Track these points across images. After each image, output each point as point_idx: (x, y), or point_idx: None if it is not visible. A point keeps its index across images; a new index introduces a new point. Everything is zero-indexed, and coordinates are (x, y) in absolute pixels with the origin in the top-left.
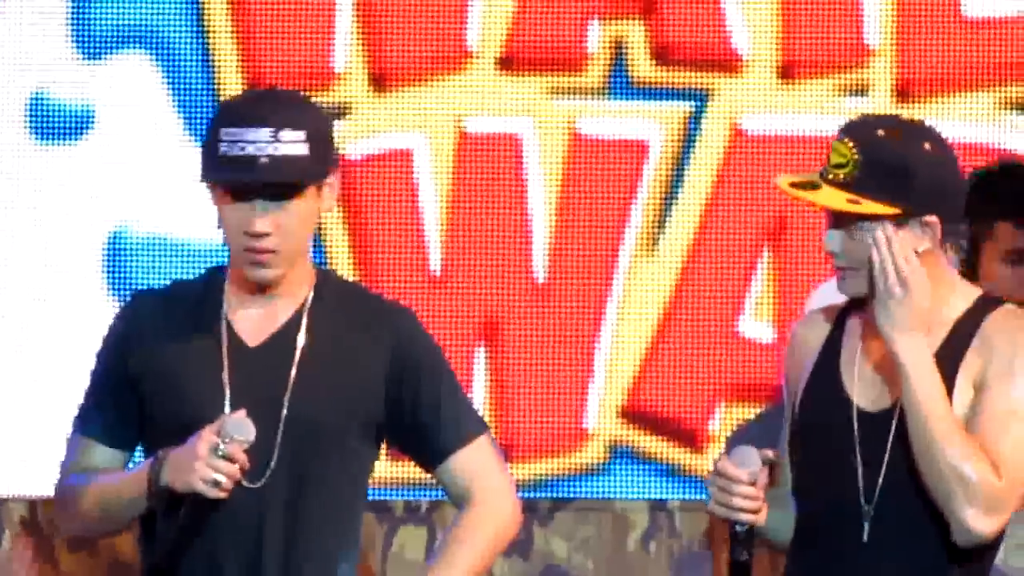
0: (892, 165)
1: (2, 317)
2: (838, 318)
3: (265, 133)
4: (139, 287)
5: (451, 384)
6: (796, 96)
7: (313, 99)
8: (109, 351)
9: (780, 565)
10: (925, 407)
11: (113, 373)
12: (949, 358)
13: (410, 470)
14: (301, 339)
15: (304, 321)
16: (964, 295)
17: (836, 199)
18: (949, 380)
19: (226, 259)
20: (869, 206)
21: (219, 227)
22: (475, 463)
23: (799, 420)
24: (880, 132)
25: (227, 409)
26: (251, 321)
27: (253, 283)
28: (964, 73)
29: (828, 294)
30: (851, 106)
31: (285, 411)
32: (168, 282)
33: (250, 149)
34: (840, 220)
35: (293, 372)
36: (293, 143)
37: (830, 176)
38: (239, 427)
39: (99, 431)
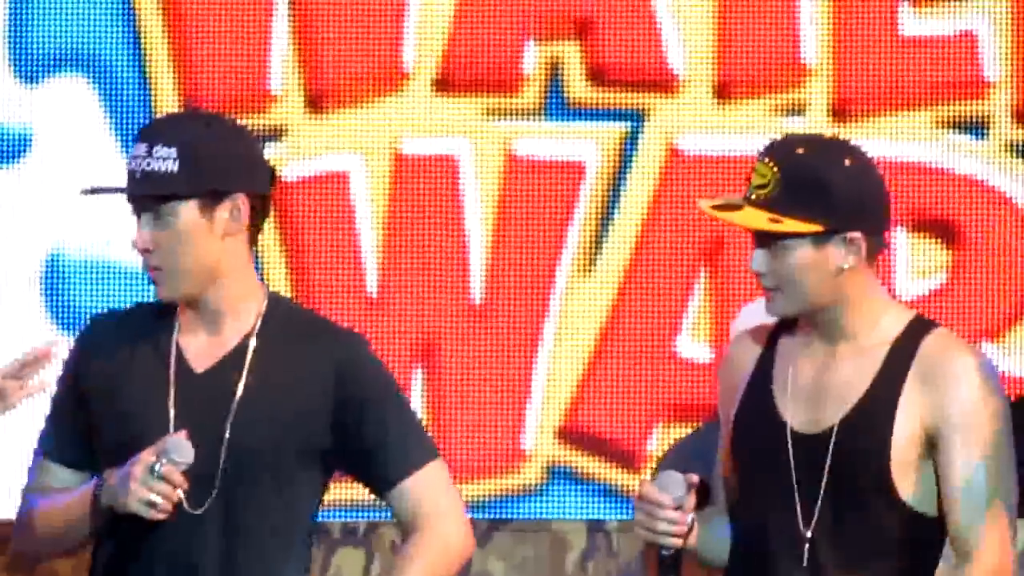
0: (811, 182)
1: None
2: (769, 339)
3: (142, 148)
4: (76, 309)
5: (399, 410)
6: (733, 116)
7: (231, 119)
8: (65, 372)
9: None
10: None
11: (68, 394)
12: (887, 383)
13: (347, 491)
14: (246, 366)
15: (251, 347)
16: (896, 315)
17: (757, 219)
18: (889, 408)
19: None
20: (790, 224)
21: None
22: (423, 490)
23: (733, 442)
24: (799, 150)
25: (170, 432)
26: (199, 345)
27: (195, 306)
28: (901, 92)
29: (755, 313)
30: (788, 126)
31: (227, 438)
32: (130, 303)
33: (131, 164)
34: (764, 240)
35: (236, 400)
36: (163, 159)
37: (753, 196)
38: (178, 449)
39: (55, 451)
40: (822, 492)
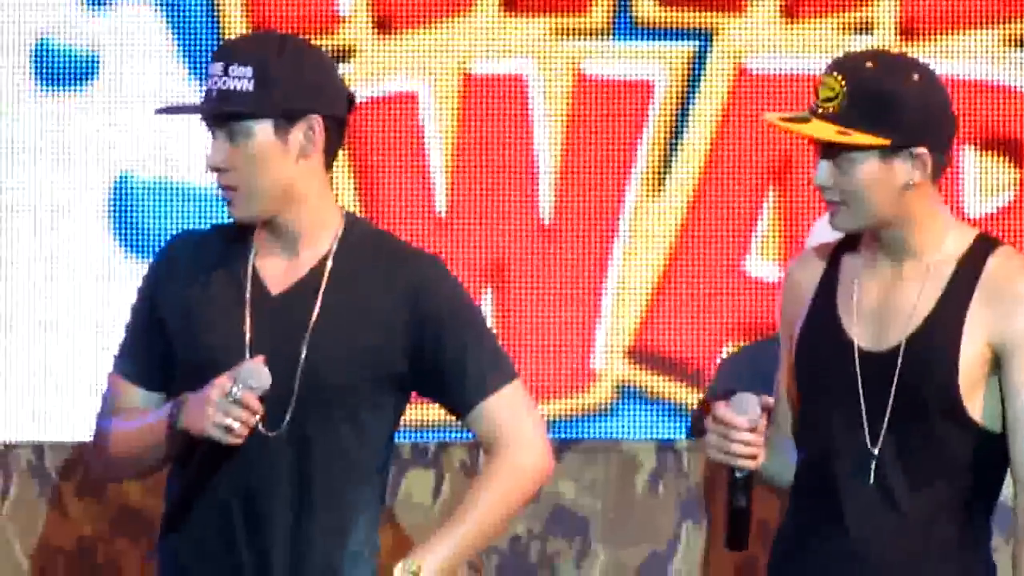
0: (880, 96)
1: (8, 263)
2: (832, 257)
3: (218, 67)
4: (145, 232)
5: (477, 332)
6: (800, 35)
7: (309, 43)
8: (143, 292)
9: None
10: None
11: (145, 314)
12: (954, 302)
13: (416, 412)
14: (322, 289)
15: (327, 271)
16: (960, 233)
17: (825, 131)
18: (955, 326)
19: None
20: (858, 137)
21: None
22: (502, 412)
23: (798, 362)
24: (868, 64)
25: (247, 356)
26: (276, 268)
27: (270, 228)
28: (968, 10)
29: (827, 228)
30: (856, 45)
31: (302, 361)
32: (208, 225)
33: (209, 84)
34: (830, 153)
35: (312, 323)
36: (239, 78)
37: (819, 110)
38: (255, 374)
39: (132, 371)
40: (889, 410)
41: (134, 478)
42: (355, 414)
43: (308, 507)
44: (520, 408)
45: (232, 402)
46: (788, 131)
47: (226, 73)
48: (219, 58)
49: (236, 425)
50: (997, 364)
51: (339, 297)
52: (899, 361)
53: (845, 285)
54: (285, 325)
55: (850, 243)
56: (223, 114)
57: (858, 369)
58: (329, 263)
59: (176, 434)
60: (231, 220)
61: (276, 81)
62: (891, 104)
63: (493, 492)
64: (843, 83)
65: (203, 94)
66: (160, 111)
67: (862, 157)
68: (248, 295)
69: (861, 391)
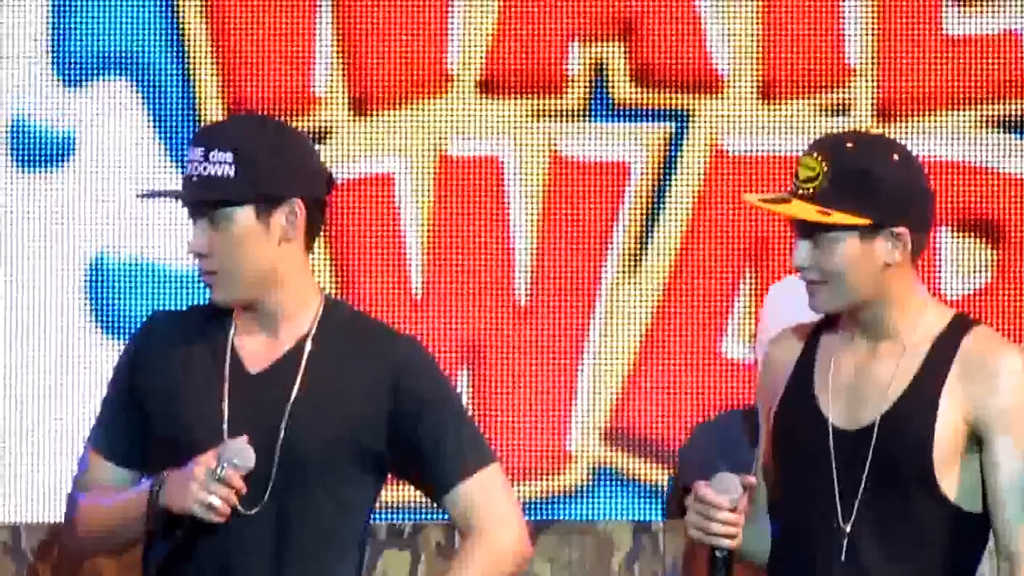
0: (859, 175)
1: None
2: (810, 336)
3: (199, 152)
4: (122, 313)
5: (456, 415)
6: (777, 116)
7: (288, 124)
8: (120, 368)
9: None
10: None
11: (122, 391)
12: (929, 380)
13: (393, 493)
14: (301, 369)
15: (306, 351)
16: (938, 313)
17: (807, 211)
18: (930, 403)
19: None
20: (839, 217)
21: None
22: (479, 495)
23: (775, 438)
24: (848, 145)
25: (225, 434)
26: (254, 347)
27: (251, 309)
28: (945, 91)
29: (784, 290)
30: (833, 125)
31: (281, 440)
32: (184, 306)
33: (189, 168)
34: (810, 233)
35: (291, 403)
36: (220, 163)
37: (800, 191)
38: (239, 453)
39: (107, 448)
40: (862, 488)
41: (106, 554)
42: (334, 492)
43: None
44: (498, 491)
45: (216, 480)
46: (769, 212)
47: (206, 159)
48: (198, 143)
49: (218, 503)
50: (973, 441)
51: (318, 376)
52: (873, 439)
53: (822, 363)
54: (263, 403)
55: (829, 323)
56: (204, 201)
57: (832, 447)
58: (308, 343)
59: (156, 511)
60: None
61: (257, 165)
62: (871, 184)
63: (478, 566)
64: (823, 164)
65: (183, 179)
66: (142, 195)
67: (843, 237)
68: (227, 373)
69: (835, 468)
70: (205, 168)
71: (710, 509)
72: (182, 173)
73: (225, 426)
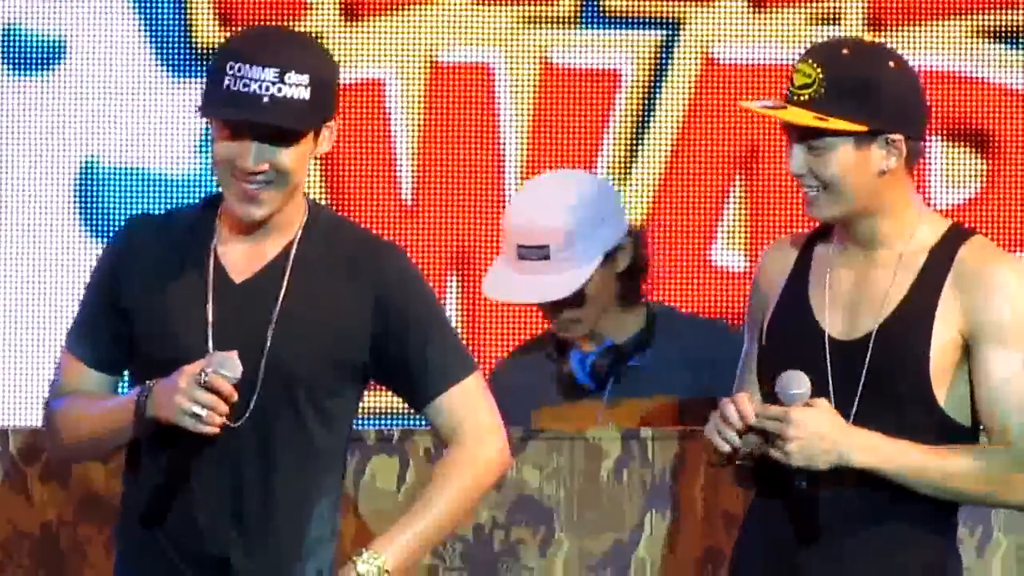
0: (857, 82)
1: None
2: (805, 245)
3: (271, 73)
4: (111, 218)
5: (439, 324)
6: (768, 24)
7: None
8: (102, 276)
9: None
10: (934, 479)
11: (104, 299)
12: (925, 291)
13: (381, 400)
14: (286, 278)
15: (291, 259)
16: (933, 223)
17: (803, 116)
18: (927, 315)
19: (197, 189)
20: (835, 123)
21: (214, 160)
22: (461, 404)
23: (767, 350)
24: (844, 52)
25: (209, 344)
26: (239, 256)
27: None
28: (936, 2)
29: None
30: (823, 34)
31: (266, 351)
32: (166, 209)
33: (254, 87)
34: (805, 140)
35: (276, 311)
36: (296, 86)
37: (795, 97)
38: (227, 363)
39: (89, 355)
40: (858, 398)
41: (90, 459)
42: (318, 401)
43: (271, 493)
44: (479, 400)
45: (200, 385)
46: (763, 118)
47: (281, 80)
48: (263, 60)
49: (204, 413)
50: (967, 352)
51: (303, 286)
52: (869, 350)
53: (817, 274)
54: (248, 313)
55: (822, 234)
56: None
57: (828, 357)
58: (293, 251)
59: (144, 420)
60: (187, 206)
61: (326, 89)
62: (867, 91)
63: (454, 484)
64: (819, 71)
65: (243, 96)
66: (207, 113)
67: (838, 143)
68: (210, 282)
69: (831, 379)
70: (280, 90)
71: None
72: (228, 87)
73: (210, 336)
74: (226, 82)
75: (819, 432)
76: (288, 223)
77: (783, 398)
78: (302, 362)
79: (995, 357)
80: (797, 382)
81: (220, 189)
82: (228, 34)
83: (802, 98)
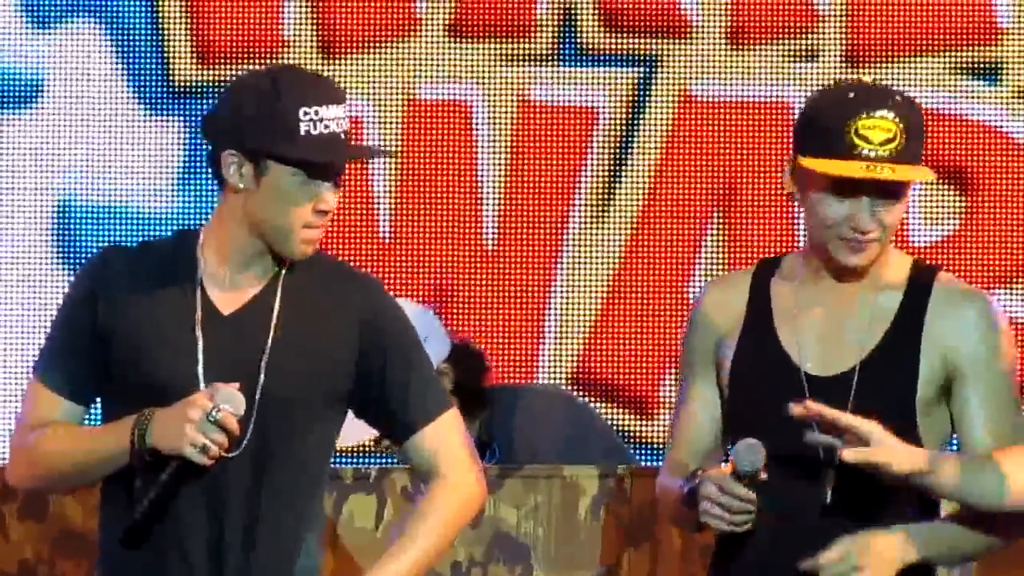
0: (919, 129)
1: None
2: (754, 284)
3: (341, 111)
4: (86, 253)
5: (419, 359)
6: (746, 61)
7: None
8: (77, 305)
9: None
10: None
11: (80, 328)
12: (908, 323)
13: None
14: (275, 310)
15: (279, 292)
16: (898, 256)
17: (922, 173)
18: (912, 345)
19: (174, 226)
20: (925, 171)
21: (285, 204)
22: (440, 439)
23: (738, 391)
24: (899, 99)
25: (199, 374)
26: (224, 287)
27: (231, 251)
28: (914, 37)
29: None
30: (801, 71)
31: (261, 383)
32: (136, 242)
33: (331, 126)
34: (883, 193)
35: (268, 343)
36: (348, 120)
37: (886, 152)
38: (231, 399)
39: (62, 385)
40: (845, 437)
41: (62, 492)
42: (309, 431)
43: (261, 523)
44: (457, 435)
45: (212, 423)
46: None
47: (346, 115)
48: (334, 100)
49: (212, 446)
50: (945, 388)
51: (291, 318)
52: (853, 384)
53: (782, 312)
54: (239, 344)
55: (766, 270)
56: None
57: (807, 394)
58: (280, 283)
59: (143, 449)
60: (160, 238)
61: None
62: (923, 136)
63: (437, 518)
64: (896, 121)
65: (324, 137)
66: (349, 157)
67: (906, 190)
68: (199, 314)
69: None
70: (351, 124)
71: (733, 500)
72: (306, 131)
73: (200, 368)
74: (304, 127)
75: (879, 552)
76: (276, 256)
77: (737, 467)
78: (296, 393)
79: (978, 390)
80: (752, 455)
81: (200, 224)
82: (205, 71)
83: (894, 152)
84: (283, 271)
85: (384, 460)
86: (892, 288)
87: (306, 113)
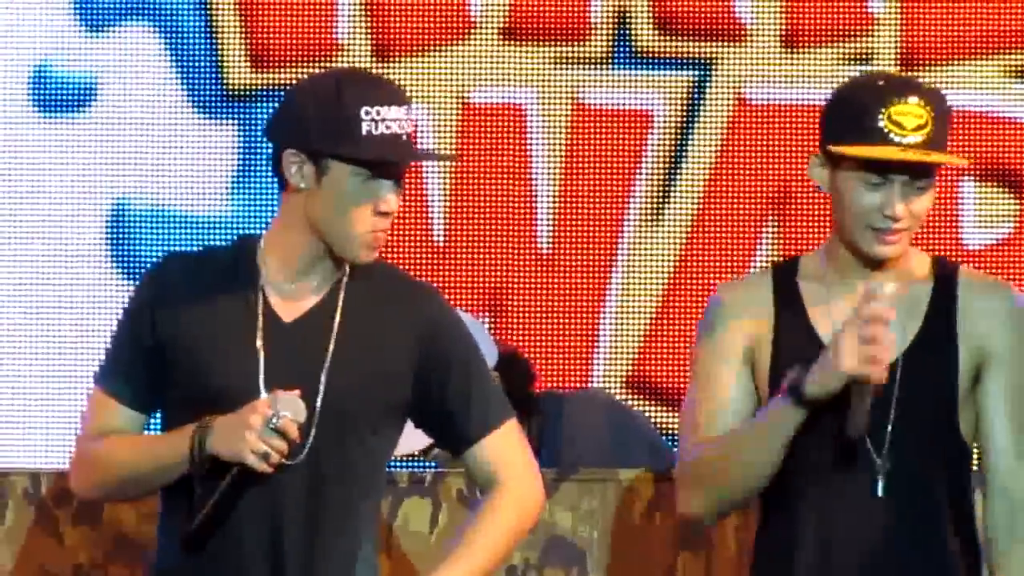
0: (948, 115)
1: (5, 290)
2: (778, 283)
3: (403, 112)
4: (142, 258)
5: (479, 370)
6: (800, 64)
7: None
8: (137, 313)
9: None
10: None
11: (141, 335)
12: (943, 314)
13: None
14: (337, 318)
15: (340, 300)
16: (916, 251)
17: (952, 157)
18: (950, 335)
19: (228, 230)
20: (958, 157)
21: (346, 205)
22: (500, 450)
23: (779, 386)
24: (925, 87)
25: (260, 380)
26: (285, 296)
27: (293, 256)
28: (968, 41)
29: None
30: (856, 74)
31: (322, 391)
32: (198, 248)
33: (393, 127)
34: (915, 180)
35: (330, 352)
36: (412, 122)
37: (920, 140)
38: (292, 405)
39: (124, 392)
40: (891, 427)
41: (122, 500)
42: (367, 442)
43: (320, 533)
44: (517, 444)
45: (272, 430)
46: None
47: (408, 116)
48: (396, 101)
49: (273, 454)
50: (977, 380)
51: (352, 328)
52: (898, 378)
53: (817, 311)
54: (300, 353)
55: (787, 268)
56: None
57: (850, 389)
58: (342, 292)
59: (203, 456)
60: (221, 245)
61: None
62: (949, 123)
63: (497, 527)
64: (928, 109)
65: (385, 137)
66: (413, 159)
67: (935, 178)
68: (259, 322)
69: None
70: (414, 127)
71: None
72: (367, 131)
73: (261, 376)
74: (366, 127)
75: None
76: (337, 263)
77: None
78: (355, 402)
79: (1004, 379)
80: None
81: (259, 231)
82: (259, 75)
83: (928, 140)
84: (344, 278)
85: (440, 464)
86: (919, 281)
87: (367, 113)
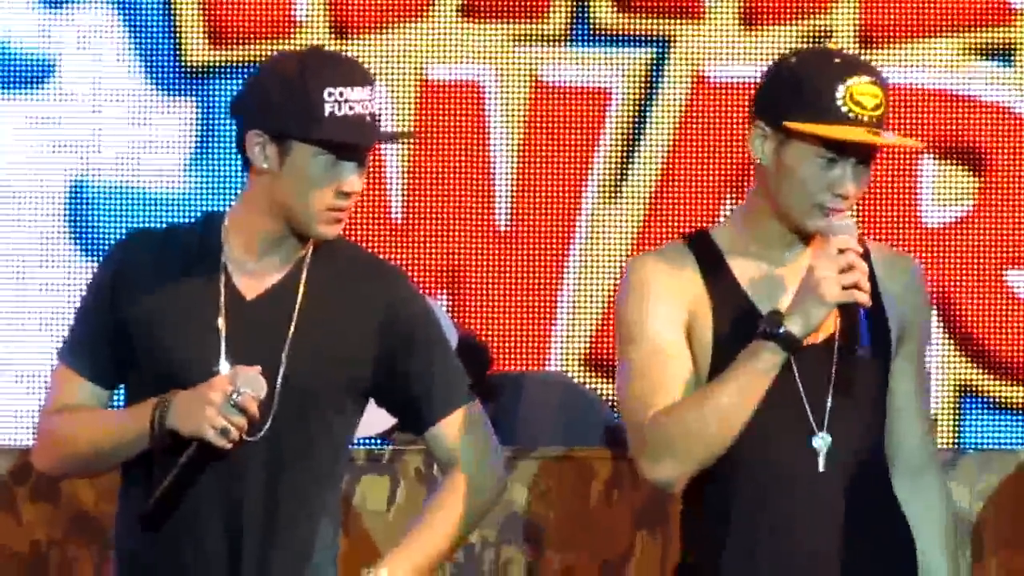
0: (889, 93)
1: None
2: (700, 255)
3: (367, 92)
4: (100, 235)
5: (442, 350)
6: (759, 43)
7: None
8: (100, 289)
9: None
10: None
11: (104, 312)
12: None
13: None
14: (299, 296)
15: (303, 278)
16: None
17: (912, 140)
18: (877, 305)
19: (187, 207)
20: (916, 140)
21: (309, 186)
22: (462, 431)
23: (726, 360)
24: (873, 67)
25: (221, 357)
26: (248, 273)
27: (256, 234)
28: (927, 19)
29: None
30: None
31: (283, 369)
32: (159, 226)
33: (356, 108)
34: (867, 160)
35: (291, 330)
36: (379, 102)
37: (873, 119)
38: (252, 382)
39: (87, 367)
40: (830, 398)
41: (83, 476)
42: (327, 420)
43: (279, 511)
44: (479, 426)
45: (232, 406)
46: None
47: (372, 97)
48: (363, 81)
49: (232, 429)
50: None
51: (314, 306)
52: (835, 350)
53: (752, 283)
54: (262, 330)
55: (705, 245)
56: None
57: (793, 363)
58: (305, 270)
59: (163, 432)
60: (185, 223)
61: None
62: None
63: (456, 507)
64: (881, 90)
65: (350, 118)
66: (381, 140)
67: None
68: (222, 298)
69: (800, 384)
70: (378, 107)
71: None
72: (330, 112)
73: (223, 353)
74: (329, 108)
75: None
76: (301, 242)
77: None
78: (316, 380)
79: (915, 348)
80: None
81: (218, 208)
82: (217, 52)
83: (879, 119)
84: (308, 256)
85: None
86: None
87: (331, 94)
